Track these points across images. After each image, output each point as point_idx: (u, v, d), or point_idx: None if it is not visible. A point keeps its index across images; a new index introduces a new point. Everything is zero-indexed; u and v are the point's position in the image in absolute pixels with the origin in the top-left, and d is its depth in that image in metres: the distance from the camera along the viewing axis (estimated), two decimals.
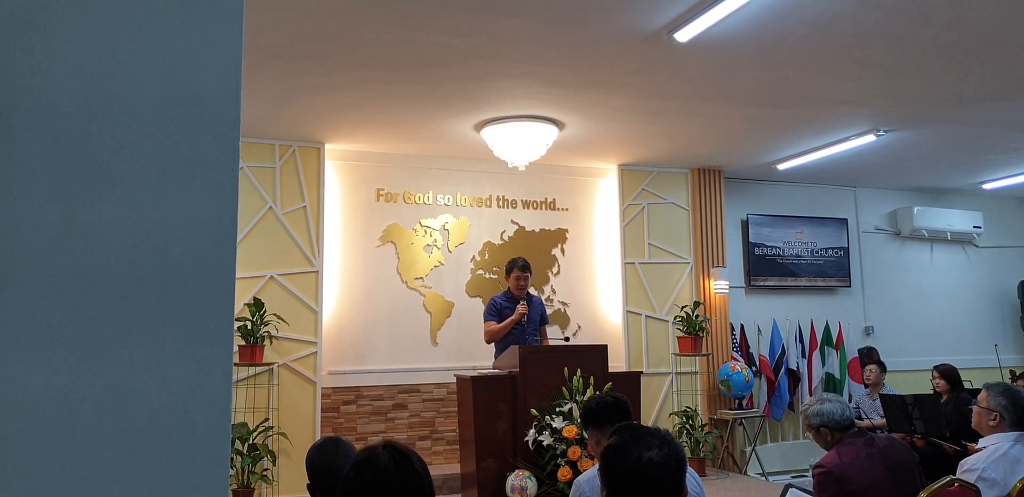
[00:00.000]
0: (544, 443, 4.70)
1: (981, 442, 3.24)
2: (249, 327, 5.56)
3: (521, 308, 5.52)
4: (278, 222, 6.09)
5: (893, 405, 5.70)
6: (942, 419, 5.45)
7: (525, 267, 5.64)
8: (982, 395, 3.26)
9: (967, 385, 6.14)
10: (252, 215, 6.00)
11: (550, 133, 5.75)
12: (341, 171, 6.53)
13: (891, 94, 5.28)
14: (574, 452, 4.59)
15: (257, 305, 5.58)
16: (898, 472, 3.08)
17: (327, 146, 6.33)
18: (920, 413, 5.49)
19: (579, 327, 7.08)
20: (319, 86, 4.92)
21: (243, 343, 5.57)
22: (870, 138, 6.27)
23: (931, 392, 6.03)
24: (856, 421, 3.92)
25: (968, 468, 3.10)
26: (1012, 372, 7.48)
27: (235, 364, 5.54)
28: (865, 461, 3.07)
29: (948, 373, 6.00)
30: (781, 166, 7.26)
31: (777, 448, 7.60)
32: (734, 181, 7.80)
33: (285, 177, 6.16)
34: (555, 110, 5.50)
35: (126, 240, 0.98)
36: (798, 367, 7.62)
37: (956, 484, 2.98)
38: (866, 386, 6.73)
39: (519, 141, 5.67)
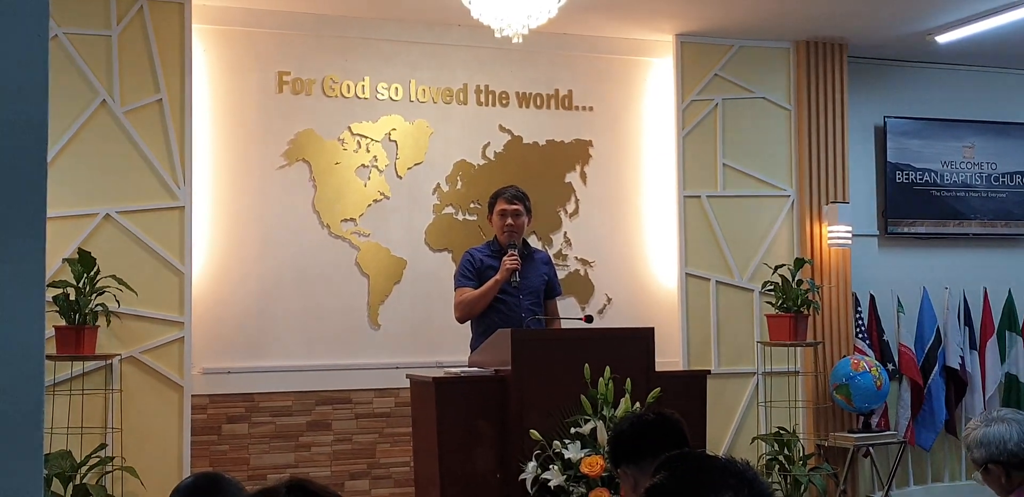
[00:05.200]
0: (551, 484, 4.74)
1: None
2: (71, 297, 5.54)
3: (509, 261, 5.53)
4: (117, 126, 6.03)
5: None
6: None
7: (516, 196, 5.67)
8: None
9: None
10: (74, 115, 5.93)
11: None
12: (219, 43, 6.45)
13: None
14: None
15: (84, 262, 5.56)
16: None
17: (195, 0, 6.24)
18: None
19: (608, 300, 7.12)
20: None
21: (62, 324, 5.56)
22: None
23: None
24: None
25: None
26: None
27: (50, 357, 5.54)
28: None
29: None
30: (941, 38, 7.20)
31: (925, 494, 7.71)
32: (864, 62, 7.75)
33: (127, 52, 6.08)
34: None
35: None
36: (963, 364, 7.69)
37: None
38: None
39: None
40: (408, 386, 5.55)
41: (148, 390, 5.99)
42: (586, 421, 4.85)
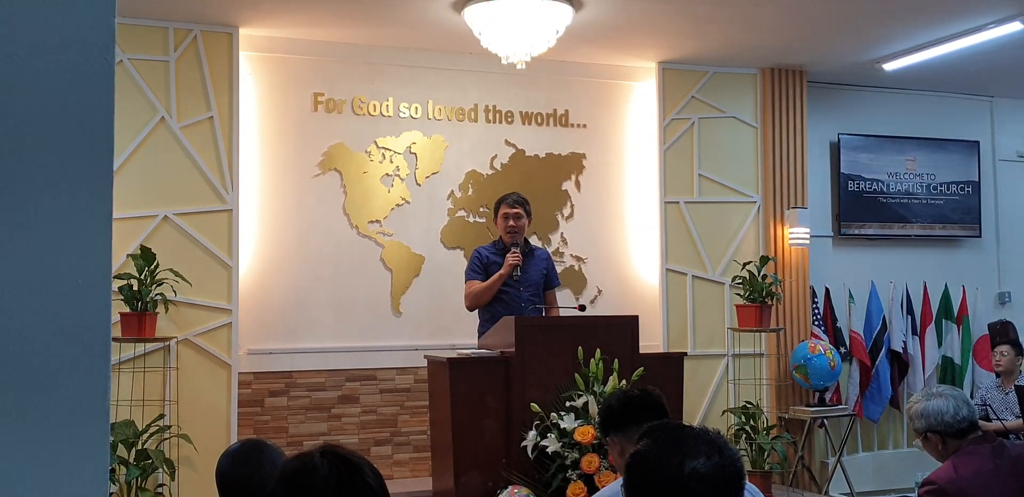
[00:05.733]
0: (549, 450, 4.76)
1: None
2: (135, 288, 5.55)
3: (511, 257, 5.55)
4: (174, 140, 6.04)
5: None
6: None
7: (517, 201, 5.70)
8: None
9: None
10: (136, 130, 5.93)
11: (562, 15, 5.68)
12: (263, 67, 6.46)
13: None
14: (590, 462, 4.66)
15: (146, 257, 5.57)
16: None
17: (242, 31, 6.24)
18: None
19: (599, 292, 7.12)
20: None
21: (126, 310, 5.58)
22: (1016, 27, 6.20)
23: None
24: (981, 423, 3.98)
25: None
26: None
27: (116, 339, 5.56)
28: (992, 476, 3.12)
29: None
30: (888, 65, 7.20)
31: (872, 459, 7.71)
32: (822, 87, 7.74)
33: (183, 75, 6.09)
34: None
35: None
36: (905, 348, 7.69)
37: None
38: (997, 375, 6.81)
39: (518, 26, 5.60)
40: (425, 365, 5.59)
41: (201, 368, 6.02)
42: (579, 396, 4.88)
